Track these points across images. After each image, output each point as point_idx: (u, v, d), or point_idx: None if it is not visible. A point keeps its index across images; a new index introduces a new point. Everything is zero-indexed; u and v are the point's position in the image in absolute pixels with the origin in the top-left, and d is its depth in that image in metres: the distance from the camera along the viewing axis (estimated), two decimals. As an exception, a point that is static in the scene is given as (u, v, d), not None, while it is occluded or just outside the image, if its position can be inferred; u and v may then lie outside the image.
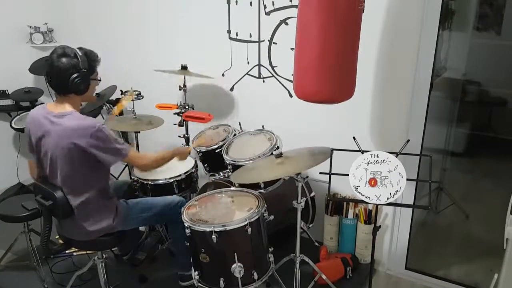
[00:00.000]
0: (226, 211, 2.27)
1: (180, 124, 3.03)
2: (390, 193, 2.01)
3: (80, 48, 2.11)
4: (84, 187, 2.15)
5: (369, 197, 2.03)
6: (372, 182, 2.04)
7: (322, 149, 2.29)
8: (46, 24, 3.90)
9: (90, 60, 2.13)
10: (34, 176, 2.30)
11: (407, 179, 2.01)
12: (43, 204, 2.15)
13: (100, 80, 2.25)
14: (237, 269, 2.10)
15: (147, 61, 3.42)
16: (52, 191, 2.12)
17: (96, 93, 3.19)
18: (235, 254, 2.11)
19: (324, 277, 2.60)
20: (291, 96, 2.96)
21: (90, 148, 2.04)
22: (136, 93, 3.16)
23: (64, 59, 2.05)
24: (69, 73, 2.05)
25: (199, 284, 2.25)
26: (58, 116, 2.08)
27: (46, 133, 2.09)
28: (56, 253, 2.91)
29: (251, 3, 2.93)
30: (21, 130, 3.50)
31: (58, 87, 2.11)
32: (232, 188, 2.48)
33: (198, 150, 2.83)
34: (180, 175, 2.71)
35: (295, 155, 2.30)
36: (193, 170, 2.81)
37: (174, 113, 3.02)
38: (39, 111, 2.17)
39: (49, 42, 3.91)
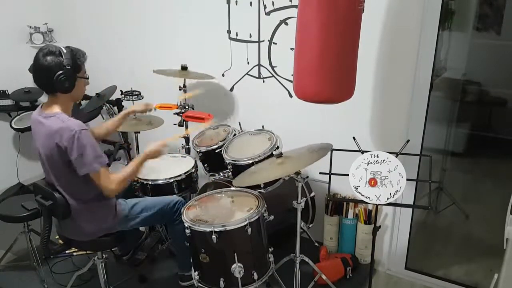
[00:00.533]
0: (226, 211, 2.27)
1: (180, 124, 3.03)
2: (390, 193, 2.01)
3: (67, 46, 2.08)
4: (78, 189, 2.14)
5: (369, 197, 2.03)
6: (372, 182, 2.04)
7: (322, 144, 2.29)
8: (46, 24, 3.90)
9: (75, 57, 2.08)
10: None
11: (407, 179, 2.01)
12: (43, 204, 2.16)
13: (87, 78, 2.19)
14: (237, 269, 2.10)
15: (147, 61, 3.42)
16: (52, 191, 2.12)
17: (96, 93, 3.20)
18: (235, 254, 2.11)
19: (324, 277, 2.60)
20: (291, 96, 2.96)
21: (67, 151, 2.00)
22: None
23: (48, 57, 2.02)
24: (54, 71, 2.01)
25: (199, 284, 2.25)
26: (46, 117, 2.08)
27: (37, 134, 2.11)
28: (56, 253, 2.91)
29: (251, 3, 2.93)
30: (21, 130, 3.50)
31: (44, 85, 2.09)
32: (232, 188, 2.48)
33: (198, 150, 2.83)
34: (180, 175, 2.70)
35: (295, 155, 2.29)
36: (193, 170, 2.80)
37: (174, 113, 3.02)
38: (36, 112, 2.17)
39: (49, 42, 3.91)
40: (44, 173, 2.22)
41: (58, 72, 2.01)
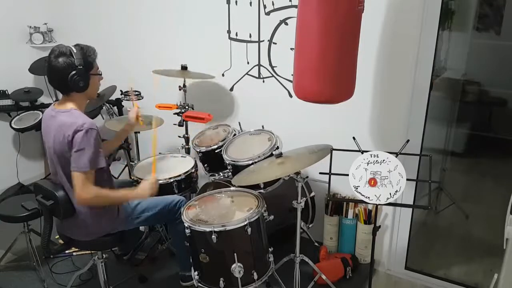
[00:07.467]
0: (226, 211, 2.27)
1: (180, 124, 3.03)
2: (390, 193, 2.01)
3: (76, 45, 2.11)
4: None
5: (369, 197, 2.03)
6: (372, 182, 2.04)
7: (322, 146, 2.29)
8: (46, 24, 3.90)
9: (86, 55, 2.11)
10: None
11: (407, 179, 2.01)
12: (44, 204, 2.15)
13: (101, 75, 2.24)
14: (237, 269, 2.10)
15: (147, 61, 3.42)
16: (53, 190, 2.12)
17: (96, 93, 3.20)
18: (235, 254, 2.11)
19: (324, 277, 2.60)
20: (291, 96, 2.96)
21: (71, 145, 2.01)
22: (136, 93, 3.16)
23: (60, 59, 2.05)
24: (67, 72, 2.05)
25: (199, 284, 2.24)
26: (59, 112, 2.12)
27: (49, 128, 2.13)
28: (57, 253, 2.90)
29: (251, 3, 2.93)
30: (21, 130, 3.50)
31: (59, 87, 2.14)
32: (232, 188, 2.48)
33: (198, 150, 2.83)
34: (180, 175, 2.70)
35: (295, 155, 2.29)
36: (193, 170, 2.80)
37: (174, 113, 3.02)
38: (49, 109, 2.21)
39: (49, 42, 3.91)
40: (51, 171, 2.23)
41: (71, 73, 2.05)
